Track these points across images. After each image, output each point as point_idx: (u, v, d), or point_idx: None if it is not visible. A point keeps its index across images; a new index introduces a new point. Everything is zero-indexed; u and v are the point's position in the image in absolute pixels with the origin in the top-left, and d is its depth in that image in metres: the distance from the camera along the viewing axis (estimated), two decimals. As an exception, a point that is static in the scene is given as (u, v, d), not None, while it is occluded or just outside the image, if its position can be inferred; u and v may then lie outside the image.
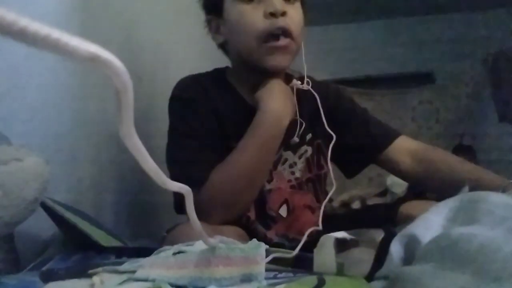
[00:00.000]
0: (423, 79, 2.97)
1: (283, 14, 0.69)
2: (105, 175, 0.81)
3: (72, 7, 0.73)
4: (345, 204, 1.26)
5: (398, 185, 1.28)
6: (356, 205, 1.26)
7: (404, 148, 0.78)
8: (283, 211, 0.75)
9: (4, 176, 0.42)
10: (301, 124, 0.75)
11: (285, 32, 0.69)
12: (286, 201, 0.76)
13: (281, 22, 0.68)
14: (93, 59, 0.15)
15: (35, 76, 0.63)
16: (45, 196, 0.50)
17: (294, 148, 0.78)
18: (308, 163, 0.79)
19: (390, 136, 0.80)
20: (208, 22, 0.79)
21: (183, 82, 0.78)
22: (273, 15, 0.68)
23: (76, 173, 0.72)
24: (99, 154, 0.79)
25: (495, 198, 0.37)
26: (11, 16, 0.13)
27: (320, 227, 0.64)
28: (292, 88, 0.76)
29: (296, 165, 0.78)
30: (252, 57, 0.71)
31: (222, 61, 0.84)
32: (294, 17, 0.71)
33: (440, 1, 2.76)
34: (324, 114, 0.77)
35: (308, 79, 0.78)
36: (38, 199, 0.47)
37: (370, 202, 1.30)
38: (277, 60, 0.70)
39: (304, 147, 0.78)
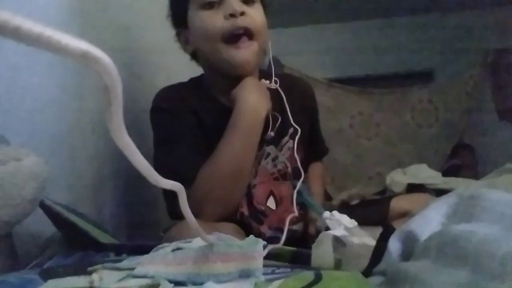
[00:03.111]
0: (422, 78, 2.97)
1: (242, 14, 0.71)
2: (104, 175, 0.81)
3: (71, 10, 0.73)
4: (345, 203, 1.26)
5: (397, 184, 1.28)
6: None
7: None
8: (271, 204, 0.77)
9: (3, 176, 0.42)
10: (277, 119, 0.78)
11: (246, 32, 0.72)
12: (272, 193, 0.78)
13: (240, 21, 0.71)
14: (84, 56, 0.16)
15: (35, 75, 0.63)
16: (44, 196, 0.50)
17: (276, 142, 0.80)
18: (291, 155, 0.81)
19: (323, 154, 0.96)
20: (178, 35, 0.83)
21: (162, 92, 0.81)
22: (232, 16, 0.71)
23: (76, 173, 0.72)
24: (98, 154, 0.79)
25: (495, 195, 0.37)
26: (6, 15, 0.13)
27: (296, 213, 0.68)
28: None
29: (278, 158, 0.80)
30: (218, 61, 0.75)
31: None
32: (255, 16, 0.74)
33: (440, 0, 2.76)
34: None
35: (276, 79, 0.82)
36: (37, 199, 0.47)
37: (370, 201, 1.30)
38: (241, 61, 0.73)
39: (286, 139, 0.81)
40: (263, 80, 0.81)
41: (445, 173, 1.55)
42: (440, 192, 1.10)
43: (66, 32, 0.15)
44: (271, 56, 0.84)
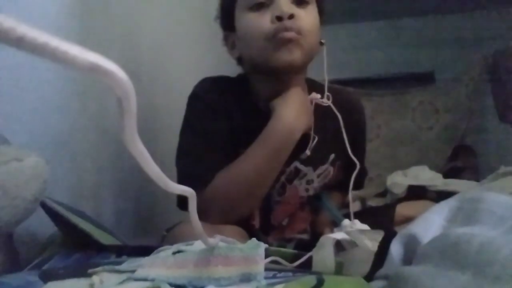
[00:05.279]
0: (423, 79, 2.96)
1: (291, 17, 0.66)
2: (105, 175, 0.81)
3: (71, 8, 0.73)
4: (345, 205, 1.26)
5: (398, 185, 1.28)
6: (356, 205, 1.26)
7: None
8: (284, 222, 0.76)
9: (3, 176, 0.42)
10: (313, 139, 0.73)
11: (293, 35, 0.66)
12: (290, 215, 0.76)
13: (287, 24, 0.66)
14: (93, 69, 0.15)
15: (35, 76, 0.63)
16: (45, 196, 0.50)
17: (316, 165, 0.76)
18: (329, 183, 0.78)
19: (364, 175, 0.87)
20: (225, 38, 0.78)
21: (204, 82, 0.77)
22: (279, 18, 0.66)
23: (76, 173, 0.72)
24: (99, 154, 0.79)
25: (495, 198, 0.37)
26: (9, 23, 0.12)
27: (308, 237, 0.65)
28: (311, 101, 0.74)
29: (313, 183, 0.76)
30: (263, 59, 0.69)
31: (221, 62, 0.84)
32: (305, 19, 0.68)
33: (440, 1, 2.76)
34: (346, 130, 0.74)
35: (328, 94, 0.75)
36: (38, 199, 0.46)
37: (370, 202, 1.30)
38: (286, 55, 0.66)
39: (326, 166, 0.77)
40: (313, 94, 0.74)
41: (446, 175, 1.55)
42: (440, 194, 1.10)
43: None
44: (325, 70, 0.76)
